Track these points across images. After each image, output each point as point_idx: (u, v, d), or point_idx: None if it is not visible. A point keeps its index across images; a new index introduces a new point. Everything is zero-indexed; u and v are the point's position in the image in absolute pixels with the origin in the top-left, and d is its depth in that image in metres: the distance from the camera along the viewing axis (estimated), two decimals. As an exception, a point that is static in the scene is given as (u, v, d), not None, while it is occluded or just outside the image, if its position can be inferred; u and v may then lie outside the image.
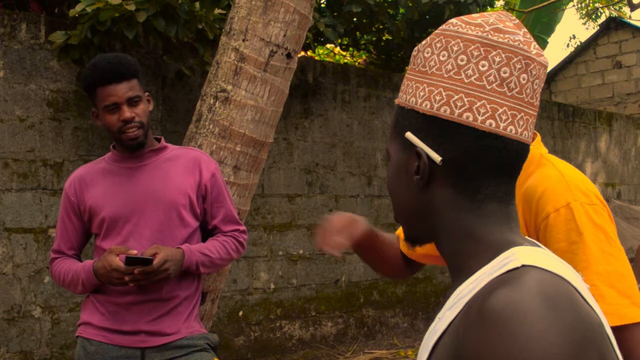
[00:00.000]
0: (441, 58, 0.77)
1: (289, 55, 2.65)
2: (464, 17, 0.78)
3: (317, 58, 8.24)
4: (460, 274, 0.76)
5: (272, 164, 5.02)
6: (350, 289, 5.50)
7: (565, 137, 7.55)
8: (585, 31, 43.71)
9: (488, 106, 0.74)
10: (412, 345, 5.39)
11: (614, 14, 12.15)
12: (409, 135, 0.79)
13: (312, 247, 5.26)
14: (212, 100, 2.61)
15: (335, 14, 5.65)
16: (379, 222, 5.72)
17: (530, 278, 0.66)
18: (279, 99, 2.68)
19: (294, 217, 5.16)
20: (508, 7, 9.42)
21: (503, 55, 0.74)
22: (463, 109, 0.74)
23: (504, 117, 0.74)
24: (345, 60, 9.36)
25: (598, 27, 10.80)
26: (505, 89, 0.74)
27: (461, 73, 0.75)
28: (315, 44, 5.62)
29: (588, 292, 0.70)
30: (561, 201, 1.24)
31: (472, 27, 0.76)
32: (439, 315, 0.75)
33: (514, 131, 0.75)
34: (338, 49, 8.77)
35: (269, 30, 2.59)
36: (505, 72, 0.74)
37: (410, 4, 5.56)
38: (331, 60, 9.31)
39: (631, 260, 6.52)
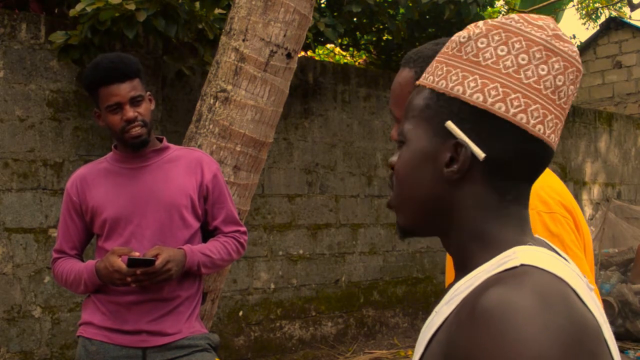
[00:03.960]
0: (499, 52, 0.74)
1: (289, 55, 2.65)
2: (524, 16, 0.76)
3: (317, 58, 8.24)
4: (463, 270, 0.76)
5: (272, 164, 5.02)
6: (350, 289, 5.50)
7: (565, 137, 7.55)
8: (585, 31, 43.72)
9: (541, 111, 0.73)
10: (412, 345, 5.39)
11: (614, 14, 12.14)
12: (450, 125, 0.75)
13: (312, 247, 5.26)
14: (212, 100, 2.61)
15: (335, 14, 5.65)
16: (379, 222, 5.72)
17: (527, 278, 0.65)
18: (279, 99, 2.68)
19: (294, 217, 5.16)
20: (508, 7, 9.42)
21: (561, 63, 0.73)
22: (519, 109, 0.73)
23: (550, 125, 0.74)
24: (345, 60, 9.36)
25: (598, 27, 10.80)
26: (557, 96, 0.74)
27: (520, 72, 0.73)
28: (315, 44, 5.62)
29: (589, 295, 0.69)
30: None
31: (536, 28, 0.74)
32: (436, 309, 0.75)
33: (554, 139, 0.75)
34: (338, 49, 8.77)
35: (269, 30, 2.59)
36: (560, 81, 0.74)
37: (410, 4, 5.56)
38: (331, 60, 9.31)
39: (631, 261, 6.47)
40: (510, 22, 0.76)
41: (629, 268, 6.02)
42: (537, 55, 0.73)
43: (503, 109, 0.73)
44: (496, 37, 0.75)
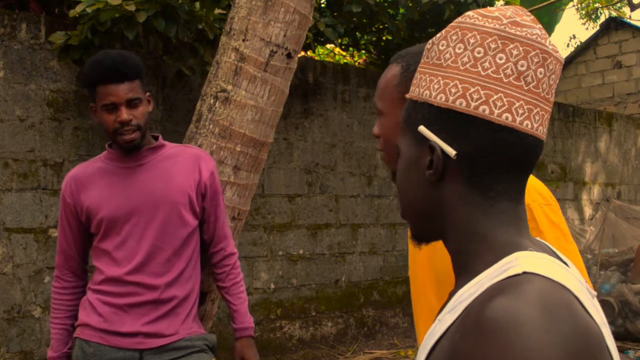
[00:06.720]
0: (457, 50, 0.75)
1: (289, 55, 2.65)
2: (480, 10, 0.76)
3: (317, 58, 8.23)
4: (463, 275, 0.75)
5: (272, 164, 5.02)
6: (350, 289, 5.50)
7: (565, 137, 7.55)
8: (585, 31, 43.70)
9: (504, 99, 0.72)
10: (413, 345, 5.39)
11: (614, 14, 12.14)
12: (422, 129, 0.76)
13: (312, 247, 5.26)
14: (212, 100, 2.61)
15: (335, 14, 5.65)
16: (379, 222, 5.72)
17: (530, 286, 0.64)
18: (279, 99, 2.68)
19: (294, 217, 5.16)
20: (508, 7, 9.40)
21: (520, 49, 0.72)
22: (479, 101, 0.72)
23: (520, 111, 0.72)
24: (345, 60, 9.36)
25: (598, 27, 10.79)
26: (522, 82, 0.72)
27: (478, 65, 0.73)
28: (315, 44, 5.62)
29: (590, 301, 0.69)
30: None
31: (490, 20, 0.74)
32: (439, 317, 0.74)
33: (529, 126, 0.73)
34: (338, 49, 8.77)
35: (269, 30, 2.59)
36: (522, 66, 0.72)
37: (410, 4, 5.56)
38: (331, 60, 9.31)
39: (631, 261, 6.48)
40: (465, 19, 0.76)
41: (629, 268, 6.02)
42: (493, 46, 0.73)
43: (464, 104, 0.73)
44: (454, 37, 0.76)
